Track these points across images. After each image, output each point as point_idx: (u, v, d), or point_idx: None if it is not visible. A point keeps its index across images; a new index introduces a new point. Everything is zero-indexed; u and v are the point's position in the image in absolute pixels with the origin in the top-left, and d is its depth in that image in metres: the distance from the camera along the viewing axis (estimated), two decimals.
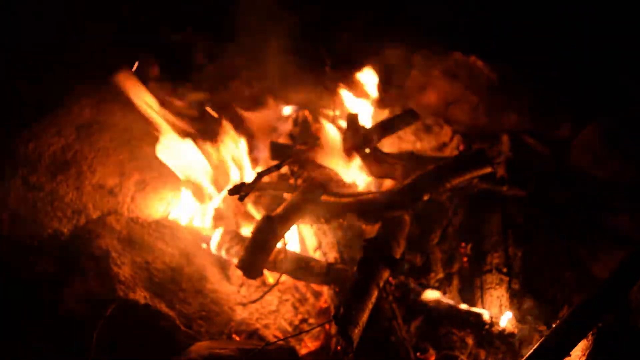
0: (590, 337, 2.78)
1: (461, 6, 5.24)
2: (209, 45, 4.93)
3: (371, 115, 4.77)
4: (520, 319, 3.23)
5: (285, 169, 4.10)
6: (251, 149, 3.94)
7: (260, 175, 2.91)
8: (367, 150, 3.58)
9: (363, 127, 3.53)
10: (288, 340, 3.05)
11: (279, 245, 3.05)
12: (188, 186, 3.78)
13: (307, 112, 4.25)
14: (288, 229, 3.00)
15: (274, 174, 3.92)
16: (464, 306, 3.30)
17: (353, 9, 5.44)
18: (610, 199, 3.87)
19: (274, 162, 3.36)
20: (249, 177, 3.74)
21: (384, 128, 3.62)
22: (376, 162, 3.59)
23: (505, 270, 3.38)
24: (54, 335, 2.77)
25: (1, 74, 3.74)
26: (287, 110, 4.48)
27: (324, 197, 3.22)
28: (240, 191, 2.78)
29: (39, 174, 3.49)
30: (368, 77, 4.86)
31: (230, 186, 3.01)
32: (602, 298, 2.70)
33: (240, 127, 4.23)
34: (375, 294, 2.73)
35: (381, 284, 2.81)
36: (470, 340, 3.09)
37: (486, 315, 3.23)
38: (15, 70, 3.94)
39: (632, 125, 4.38)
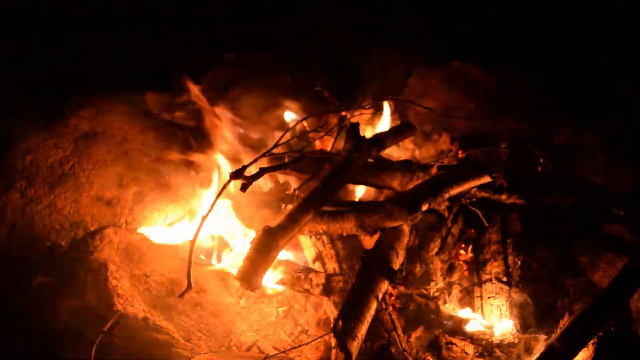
0: (591, 346, 2.76)
1: (459, 14, 5.25)
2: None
3: (370, 124, 4.77)
4: (520, 328, 3.22)
5: (283, 179, 4.10)
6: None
7: (263, 170, 2.89)
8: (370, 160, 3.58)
9: (363, 137, 3.53)
10: (287, 352, 3.04)
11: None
12: None
13: (305, 123, 4.25)
14: (289, 240, 2.98)
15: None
16: (464, 316, 3.29)
17: (350, 17, 5.45)
18: (609, 206, 3.86)
19: None
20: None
21: (381, 141, 3.62)
22: (375, 172, 3.58)
23: (505, 279, 3.37)
24: (52, 350, 2.76)
25: None
26: (285, 119, 4.48)
27: (323, 208, 3.21)
28: (241, 174, 2.76)
29: (37, 186, 3.48)
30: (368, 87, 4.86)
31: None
32: (602, 307, 2.69)
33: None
34: (374, 305, 2.72)
35: (380, 296, 2.80)
36: (470, 350, 3.07)
37: (486, 324, 3.22)
38: (12, 82, 3.94)
39: (631, 131, 4.38)
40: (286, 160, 3.36)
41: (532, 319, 3.30)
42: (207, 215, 2.80)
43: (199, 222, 2.80)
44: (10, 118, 3.68)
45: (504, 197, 3.67)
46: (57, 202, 3.52)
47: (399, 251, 3.05)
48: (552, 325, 3.25)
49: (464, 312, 3.36)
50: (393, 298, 3.24)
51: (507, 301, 3.29)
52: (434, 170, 3.57)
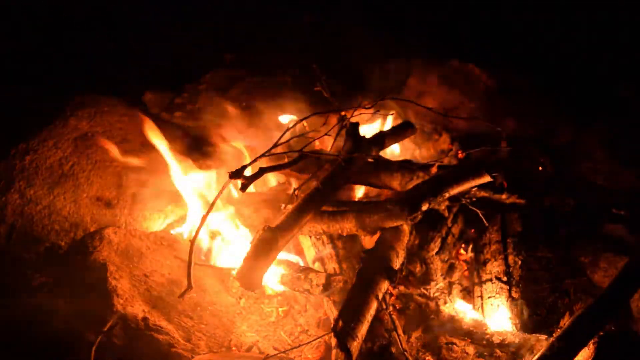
0: (592, 346, 2.76)
1: (459, 14, 5.25)
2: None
3: (369, 124, 4.76)
4: (520, 328, 3.22)
5: (283, 179, 4.10)
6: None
7: (262, 170, 2.89)
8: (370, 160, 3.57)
9: (363, 137, 3.53)
10: (287, 352, 3.04)
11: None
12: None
13: (305, 123, 4.24)
14: (289, 240, 2.97)
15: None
16: (464, 316, 3.28)
17: (350, 17, 5.45)
18: (609, 206, 3.86)
19: None
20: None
21: (381, 141, 3.62)
22: (375, 172, 3.58)
23: (505, 279, 3.36)
24: (52, 350, 2.75)
25: None
26: (285, 120, 4.47)
27: (323, 208, 3.21)
28: (240, 174, 2.76)
29: (36, 187, 3.48)
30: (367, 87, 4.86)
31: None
32: (603, 307, 2.68)
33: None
34: (374, 305, 2.72)
35: (380, 295, 2.80)
36: (470, 350, 3.07)
37: (486, 324, 3.21)
38: (11, 82, 3.94)
39: (631, 131, 4.38)
40: (286, 160, 3.35)
41: (532, 318, 3.30)
42: (207, 215, 2.79)
43: (199, 222, 2.79)
44: (9, 118, 3.68)
45: (504, 196, 3.66)
46: (57, 203, 3.52)
47: (399, 251, 3.05)
48: (552, 325, 3.24)
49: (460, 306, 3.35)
50: (393, 298, 3.23)
51: (507, 301, 3.28)
52: (434, 170, 3.56)
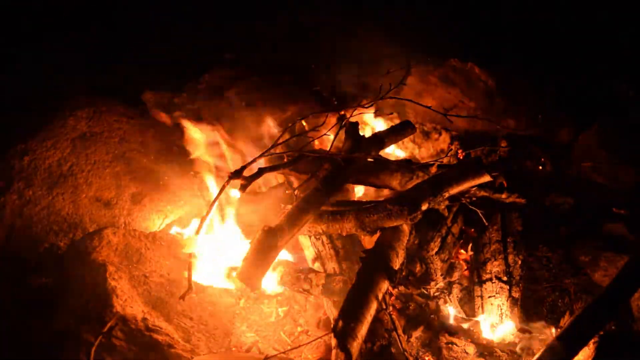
0: (592, 346, 2.76)
1: (458, 13, 5.24)
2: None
3: (369, 123, 4.76)
4: (521, 327, 3.22)
5: (282, 179, 4.09)
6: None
7: (262, 171, 2.89)
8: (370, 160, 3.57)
9: (362, 137, 3.52)
10: (287, 353, 3.03)
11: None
12: None
13: (304, 122, 4.24)
14: (289, 240, 2.97)
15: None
16: (464, 315, 3.28)
17: (350, 16, 5.44)
18: (610, 205, 3.86)
19: None
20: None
21: (381, 140, 3.62)
22: (374, 172, 3.57)
23: (505, 278, 3.36)
24: (52, 352, 2.74)
25: None
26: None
27: (322, 208, 3.20)
28: (240, 174, 2.76)
29: (35, 187, 3.48)
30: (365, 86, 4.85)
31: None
32: (603, 306, 2.68)
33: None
34: (374, 305, 2.71)
35: (380, 296, 2.79)
36: (471, 350, 3.07)
37: (487, 324, 3.21)
38: (9, 82, 3.93)
39: (632, 130, 4.37)
40: (285, 160, 3.35)
41: (532, 318, 3.29)
42: (206, 215, 2.79)
43: (199, 223, 2.78)
44: (8, 118, 3.67)
45: (504, 196, 3.66)
46: (56, 203, 3.52)
47: (399, 251, 3.04)
48: (552, 325, 3.24)
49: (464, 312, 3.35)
50: (393, 298, 3.23)
51: (507, 300, 3.28)
52: (433, 169, 3.56)
